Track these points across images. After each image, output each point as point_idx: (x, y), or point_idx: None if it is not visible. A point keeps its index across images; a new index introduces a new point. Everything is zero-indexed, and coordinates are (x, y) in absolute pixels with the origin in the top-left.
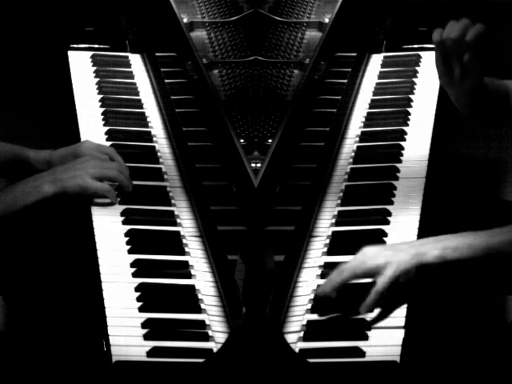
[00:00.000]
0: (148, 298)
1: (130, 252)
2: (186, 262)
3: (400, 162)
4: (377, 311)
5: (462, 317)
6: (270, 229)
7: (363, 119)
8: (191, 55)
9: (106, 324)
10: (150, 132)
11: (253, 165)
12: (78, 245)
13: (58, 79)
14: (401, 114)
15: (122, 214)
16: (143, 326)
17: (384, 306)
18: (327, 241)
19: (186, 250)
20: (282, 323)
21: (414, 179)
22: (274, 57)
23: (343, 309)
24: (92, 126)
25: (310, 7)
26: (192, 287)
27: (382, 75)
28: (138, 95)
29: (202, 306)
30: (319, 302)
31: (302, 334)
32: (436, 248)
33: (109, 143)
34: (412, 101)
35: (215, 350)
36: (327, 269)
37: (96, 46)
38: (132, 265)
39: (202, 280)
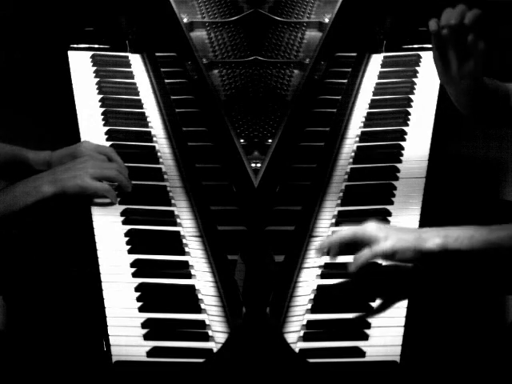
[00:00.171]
0: (148, 297)
1: (130, 252)
2: (186, 262)
3: (400, 161)
4: (378, 302)
5: (462, 317)
6: (269, 229)
7: (363, 119)
8: (191, 55)
9: (106, 324)
10: (149, 132)
11: (253, 165)
12: (78, 245)
13: (58, 79)
14: (401, 114)
15: (122, 213)
16: (143, 326)
17: (384, 294)
18: None
19: (186, 250)
20: (282, 323)
21: (414, 179)
22: (274, 57)
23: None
24: (92, 126)
25: (310, 7)
26: (192, 287)
27: (381, 75)
28: (138, 95)
29: (202, 306)
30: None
31: (301, 333)
32: (438, 236)
33: (109, 143)
34: (412, 101)
35: (215, 350)
36: (327, 269)
37: (96, 46)
38: (132, 265)
39: (202, 280)
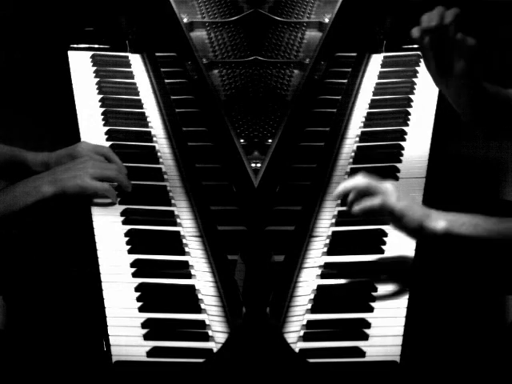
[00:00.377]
0: (148, 297)
1: (130, 252)
2: (186, 262)
3: (400, 161)
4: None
5: (462, 317)
6: (269, 229)
7: (363, 119)
8: (191, 55)
9: (106, 324)
10: (150, 132)
11: (253, 165)
12: (78, 245)
13: (58, 79)
14: (401, 114)
15: (122, 213)
16: (143, 326)
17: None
18: (327, 241)
19: (186, 250)
20: (282, 323)
21: (414, 179)
22: (274, 57)
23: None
24: (92, 126)
25: (310, 7)
26: (192, 287)
27: (381, 75)
28: (138, 95)
29: (202, 306)
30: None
31: (301, 333)
32: (444, 219)
33: (109, 143)
34: (412, 101)
35: (215, 350)
36: (327, 269)
37: (96, 46)
38: (132, 265)
39: (202, 280)
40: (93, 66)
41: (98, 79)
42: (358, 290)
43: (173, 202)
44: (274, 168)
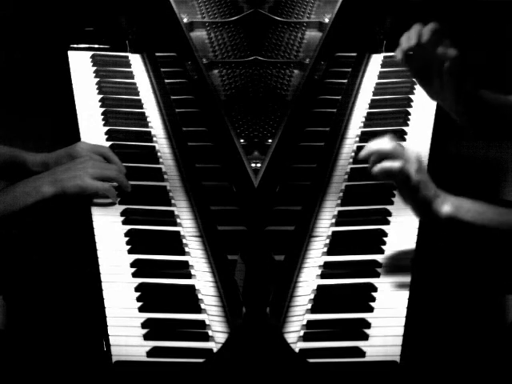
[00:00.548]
0: (148, 297)
1: (130, 252)
2: (186, 262)
3: None
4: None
5: (462, 316)
6: (269, 229)
7: (363, 119)
8: (191, 55)
9: (106, 324)
10: (150, 132)
11: (253, 165)
12: (77, 245)
13: (58, 79)
14: (401, 114)
15: (122, 213)
16: (143, 326)
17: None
18: (327, 241)
19: (186, 250)
20: (282, 323)
21: None
22: (274, 57)
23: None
24: (92, 126)
25: (310, 7)
26: (192, 287)
27: (381, 75)
28: (138, 95)
29: (202, 306)
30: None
31: (302, 333)
32: (451, 204)
33: (109, 143)
34: (412, 101)
35: (215, 350)
36: (327, 269)
37: (96, 46)
38: (132, 265)
39: (202, 280)
40: (93, 66)
41: (98, 79)
42: (358, 289)
43: (173, 202)
44: (274, 168)
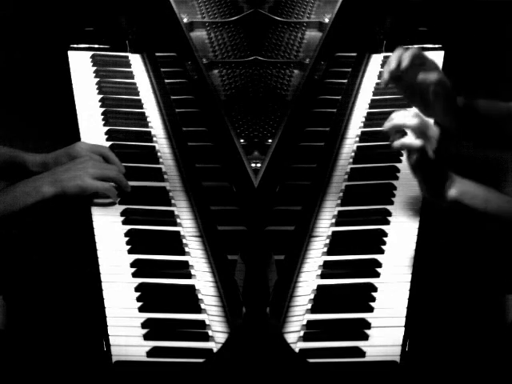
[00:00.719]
0: (148, 297)
1: (130, 252)
2: (186, 262)
3: (400, 161)
4: None
5: (462, 316)
6: (269, 229)
7: (363, 119)
8: (191, 55)
9: (106, 324)
10: (150, 132)
11: (253, 165)
12: (78, 245)
13: (58, 79)
14: None
15: (122, 213)
16: (143, 326)
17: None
18: (327, 241)
19: (186, 250)
20: (282, 323)
21: (414, 179)
22: (274, 57)
23: None
24: (92, 126)
25: (310, 7)
26: (192, 287)
27: (381, 75)
28: (138, 95)
29: (202, 306)
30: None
31: (302, 333)
32: (458, 189)
33: (109, 143)
34: None
35: (215, 350)
36: (327, 269)
37: (96, 46)
38: (132, 265)
39: (202, 280)
40: (93, 66)
41: (98, 79)
42: (358, 289)
43: (173, 201)
44: (274, 168)
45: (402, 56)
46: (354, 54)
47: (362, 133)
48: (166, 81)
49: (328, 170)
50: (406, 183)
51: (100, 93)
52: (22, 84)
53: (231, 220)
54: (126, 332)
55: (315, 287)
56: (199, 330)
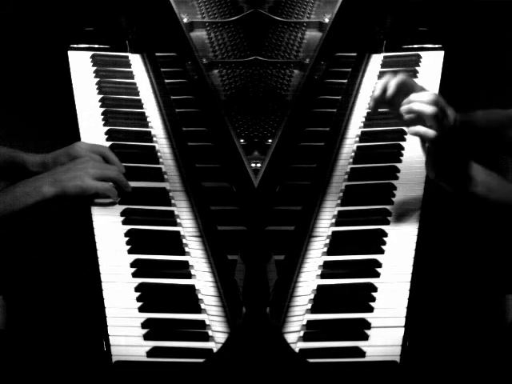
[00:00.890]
0: (148, 297)
1: (130, 252)
2: (186, 262)
3: (400, 161)
4: None
5: (462, 316)
6: (270, 229)
7: (363, 119)
8: (191, 55)
9: (106, 324)
10: (150, 132)
11: (253, 165)
12: (78, 245)
13: (58, 79)
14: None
15: (122, 214)
16: (143, 326)
17: None
18: (327, 241)
19: (186, 250)
20: (282, 323)
21: (414, 179)
22: (274, 57)
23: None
24: (92, 126)
25: (310, 7)
26: (192, 287)
27: (381, 75)
28: (138, 95)
29: (202, 306)
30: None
31: (302, 333)
32: (483, 183)
33: (109, 143)
34: None
35: (215, 350)
36: (327, 269)
37: (96, 45)
38: (132, 265)
39: (202, 280)
40: (93, 66)
41: (98, 79)
42: (358, 289)
43: (173, 202)
44: (274, 168)
45: (388, 83)
46: (354, 54)
47: (362, 133)
48: (166, 81)
49: (328, 169)
50: (406, 183)
51: (100, 93)
52: (22, 84)
53: (231, 220)
54: (126, 332)
55: (315, 287)
56: (199, 330)
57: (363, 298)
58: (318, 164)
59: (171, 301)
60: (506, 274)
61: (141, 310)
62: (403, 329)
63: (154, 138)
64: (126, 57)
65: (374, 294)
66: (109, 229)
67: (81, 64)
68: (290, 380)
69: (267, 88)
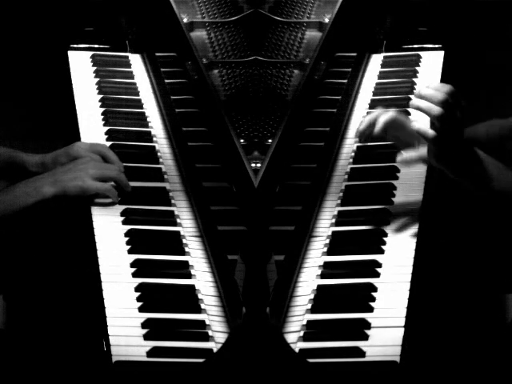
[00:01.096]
0: (148, 297)
1: (130, 252)
2: (186, 262)
3: None
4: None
5: (462, 316)
6: (270, 229)
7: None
8: (191, 55)
9: (106, 324)
10: (149, 132)
11: (253, 165)
12: (78, 245)
13: (58, 79)
14: None
15: (122, 213)
16: (143, 326)
17: None
18: (327, 241)
19: (186, 250)
20: (282, 323)
21: (414, 179)
22: (274, 57)
23: None
24: (92, 126)
25: (310, 7)
26: (192, 287)
27: (381, 75)
28: (138, 95)
29: (202, 306)
30: None
31: (301, 333)
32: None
33: (109, 143)
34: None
35: (215, 350)
36: (327, 269)
37: (96, 46)
38: (132, 265)
39: (202, 280)
40: (93, 66)
41: (98, 79)
42: (358, 289)
43: (173, 202)
44: (274, 168)
45: (376, 118)
46: (354, 54)
47: None
48: (166, 81)
49: (328, 170)
50: (406, 183)
51: (100, 93)
52: (22, 84)
53: (231, 220)
54: (126, 332)
55: (315, 287)
56: (199, 330)
57: (363, 298)
58: (318, 164)
59: (171, 301)
60: (505, 273)
61: (141, 310)
62: (403, 329)
63: (154, 138)
64: (126, 57)
65: (373, 294)
66: (109, 229)
67: (81, 64)
68: (289, 380)
69: (267, 88)
